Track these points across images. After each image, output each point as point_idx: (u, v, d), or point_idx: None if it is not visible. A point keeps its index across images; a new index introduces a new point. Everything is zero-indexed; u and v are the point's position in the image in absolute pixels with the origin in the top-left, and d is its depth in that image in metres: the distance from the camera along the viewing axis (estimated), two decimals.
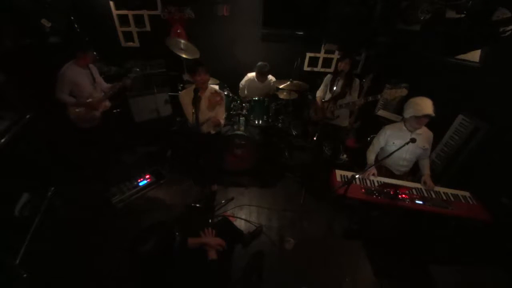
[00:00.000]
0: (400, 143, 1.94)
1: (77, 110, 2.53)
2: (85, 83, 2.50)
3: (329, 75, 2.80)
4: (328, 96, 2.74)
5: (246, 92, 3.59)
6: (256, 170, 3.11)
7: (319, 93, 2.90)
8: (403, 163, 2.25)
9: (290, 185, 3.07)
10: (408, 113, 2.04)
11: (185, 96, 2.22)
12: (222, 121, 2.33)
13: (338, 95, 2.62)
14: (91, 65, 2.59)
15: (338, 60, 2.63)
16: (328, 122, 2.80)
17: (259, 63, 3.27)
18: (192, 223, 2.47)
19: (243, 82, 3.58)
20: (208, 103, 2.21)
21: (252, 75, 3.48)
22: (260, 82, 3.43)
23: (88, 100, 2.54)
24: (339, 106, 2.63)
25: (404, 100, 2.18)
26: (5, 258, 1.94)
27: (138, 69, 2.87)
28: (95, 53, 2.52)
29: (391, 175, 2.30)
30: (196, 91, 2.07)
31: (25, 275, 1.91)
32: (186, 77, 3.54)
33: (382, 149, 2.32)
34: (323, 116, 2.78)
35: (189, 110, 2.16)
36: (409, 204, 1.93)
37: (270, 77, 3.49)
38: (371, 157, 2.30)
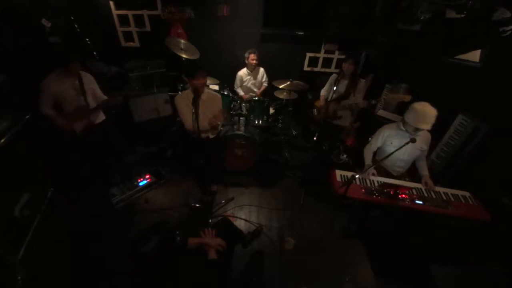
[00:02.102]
0: (398, 143, 1.93)
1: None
2: (70, 95, 2.25)
3: (334, 75, 2.80)
4: (332, 96, 2.74)
5: (241, 92, 3.62)
6: (256, 170, 3.11)
7: (323, 93, 2.91)
8: (400, 164, 2.25)
9: (290, 185, 3.06)
10: (406, 117, 2.02)
11: (182, 100, 2.20)
12: (220, 123, 2.32)
13: (342, 96, 2.62)
14: (83, 74, 2.31)
15: (342, 61, 2.63)
16: (331, 122, 2.81)
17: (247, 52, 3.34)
18: (192, 223, 2.47)
19: (236, 82, 3.64)
20: (204, 106, 2.21)
21: (241, 71, 3.55)
22: (250, 71, 3.50)
23: (70, 112, 2.28)
24: (342, 107, 2.63)
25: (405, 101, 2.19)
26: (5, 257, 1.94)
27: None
28: (80, 63, 2.24)
29: (389, 175, 2.30)
30: (196, 91, 2.07)
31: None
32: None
33: (379, 149, 2.31)
34: (326, 115, 2.78)
35: (186, 113, 2.15)
36: (409, 204, 1.92)
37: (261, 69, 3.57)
38: (368, 156, 2.29)
